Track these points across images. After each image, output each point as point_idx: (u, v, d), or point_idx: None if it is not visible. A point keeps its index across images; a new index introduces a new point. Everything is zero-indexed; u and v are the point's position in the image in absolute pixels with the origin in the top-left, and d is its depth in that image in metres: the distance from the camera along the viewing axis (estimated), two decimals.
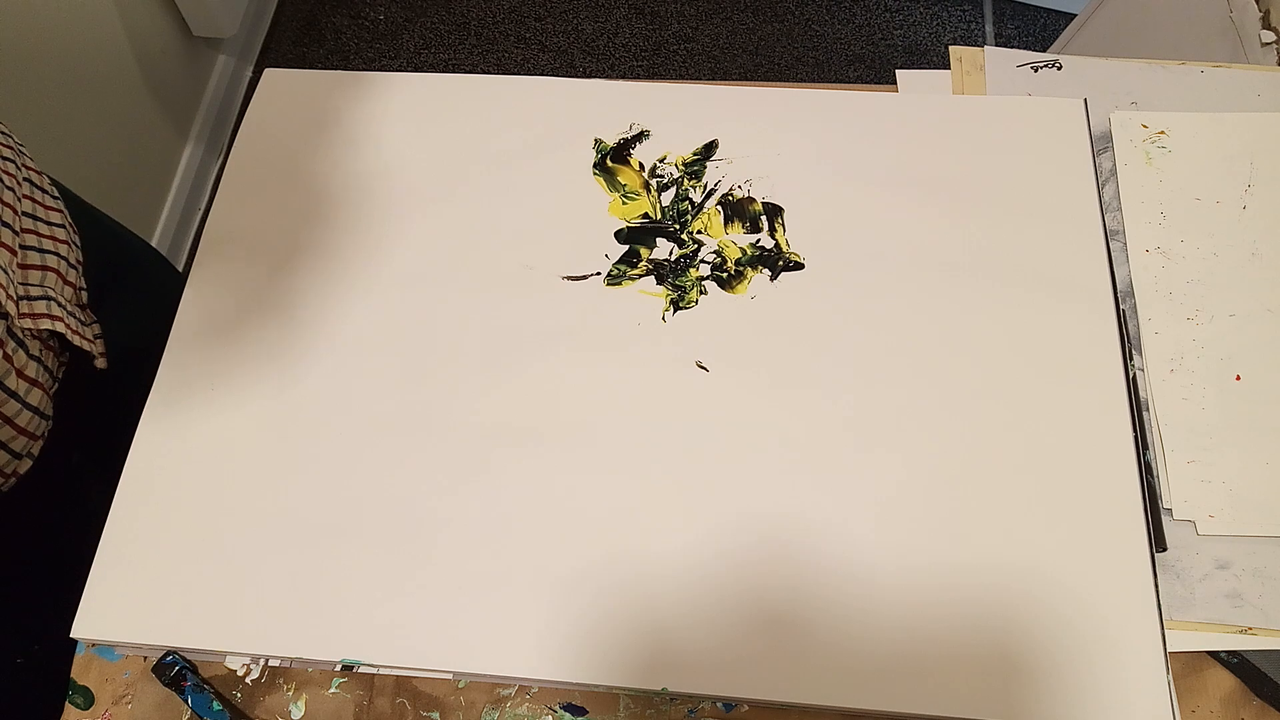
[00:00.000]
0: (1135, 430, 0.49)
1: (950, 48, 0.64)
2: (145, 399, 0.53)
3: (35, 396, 0.49)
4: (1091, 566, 0.46)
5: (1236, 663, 0.46)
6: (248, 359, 0.53)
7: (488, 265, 0.56)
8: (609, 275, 0.55)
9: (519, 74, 0.66)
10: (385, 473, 0.50)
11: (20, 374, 0.48)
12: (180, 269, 1.22)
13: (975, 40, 1.69)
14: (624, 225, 0.57)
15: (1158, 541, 0.47)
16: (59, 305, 0.50)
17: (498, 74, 0.63)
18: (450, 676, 0.46)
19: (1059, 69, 0.63)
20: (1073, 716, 0.43)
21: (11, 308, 0.46)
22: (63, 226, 0.53)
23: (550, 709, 0.46)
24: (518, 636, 0.46)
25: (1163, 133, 0.59)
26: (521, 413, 0.51)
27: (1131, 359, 0.52)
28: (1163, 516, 0.48)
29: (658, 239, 0.57)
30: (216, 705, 0.45)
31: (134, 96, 1.35)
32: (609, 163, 0.59)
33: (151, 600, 0.47)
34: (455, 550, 0.47)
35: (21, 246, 0.49)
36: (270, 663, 0.47)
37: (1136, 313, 0.53)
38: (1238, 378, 0.51)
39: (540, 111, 0.61)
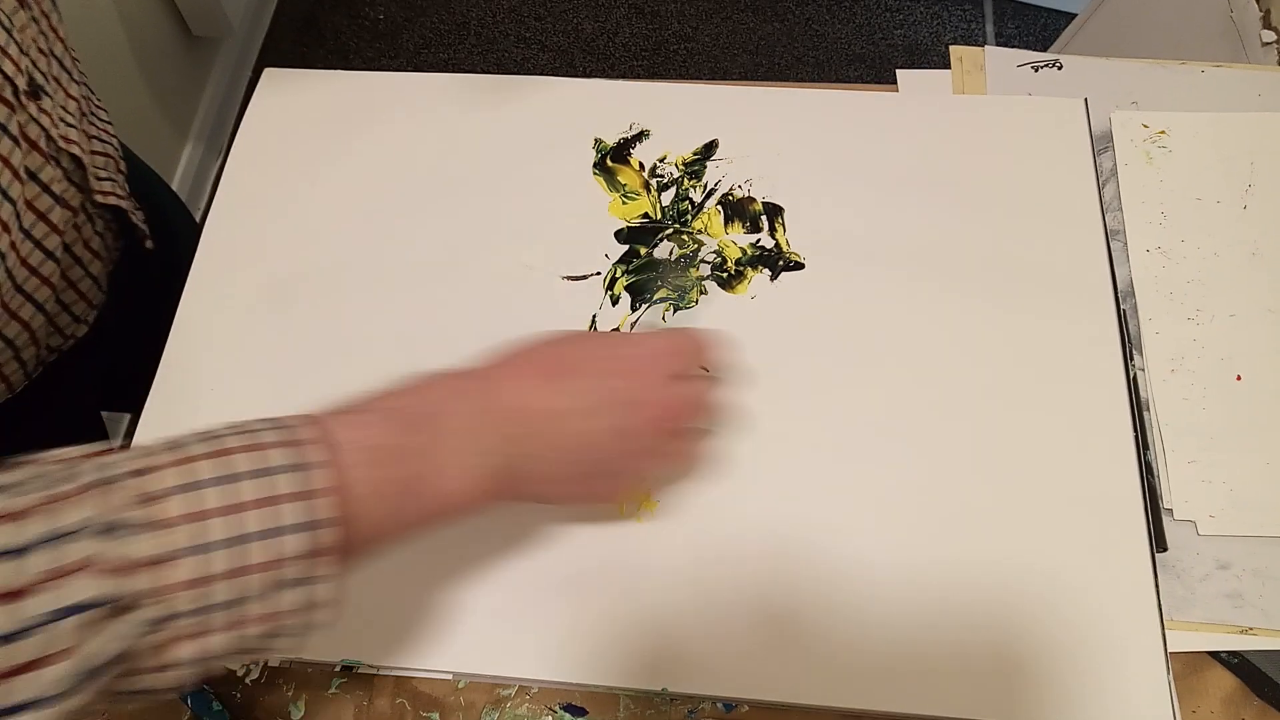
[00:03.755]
0: (1136, 430, 0.49)
1: (950, 47, 0.64)
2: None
3: (96, 268, 0.58)
4: (1092, 566, 0.46)
5: (1237, 663, 0.46)
6: (246, 359, 0.53)
7: (487, 265, 0.56)
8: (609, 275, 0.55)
9: (519, 74, 0.66)
10: None
11: (87, 245, 0.56)
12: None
13: (975, 40, 1.69)
14: (624, 225, 0.57)
15: (1158, 541, 0.47)
16: (119, 186, 0.59)
17: (497, 73, 0.63)
18: (450, 676, 0.46)
19: (1059, 69, 0.63)
20: (1073, 716, 0.43)
21: (93, 183, 0.55)
22: (109, 123, 0.61)
23: (550, 709, 0.46)
24: (518, 637, 0.46)
25: (1163, 132, 0.59)
26: None
27: (1132, 359, 0.52)
28: (1163, 516, 0.48)
29: (658, 239, 0.56)
30: (216, 705, 0.45)
31: (134, 95, 1.35)
32: (609, 162, 0.59)
33: None
34: (455, 550, 0.47)
35: (91, 136, 0.57)
36: (270, 663, 0.47)
37: (1137, 312, 0.53)
38: (1238, 378, 0.51)
39: (540, 111, 0.61)
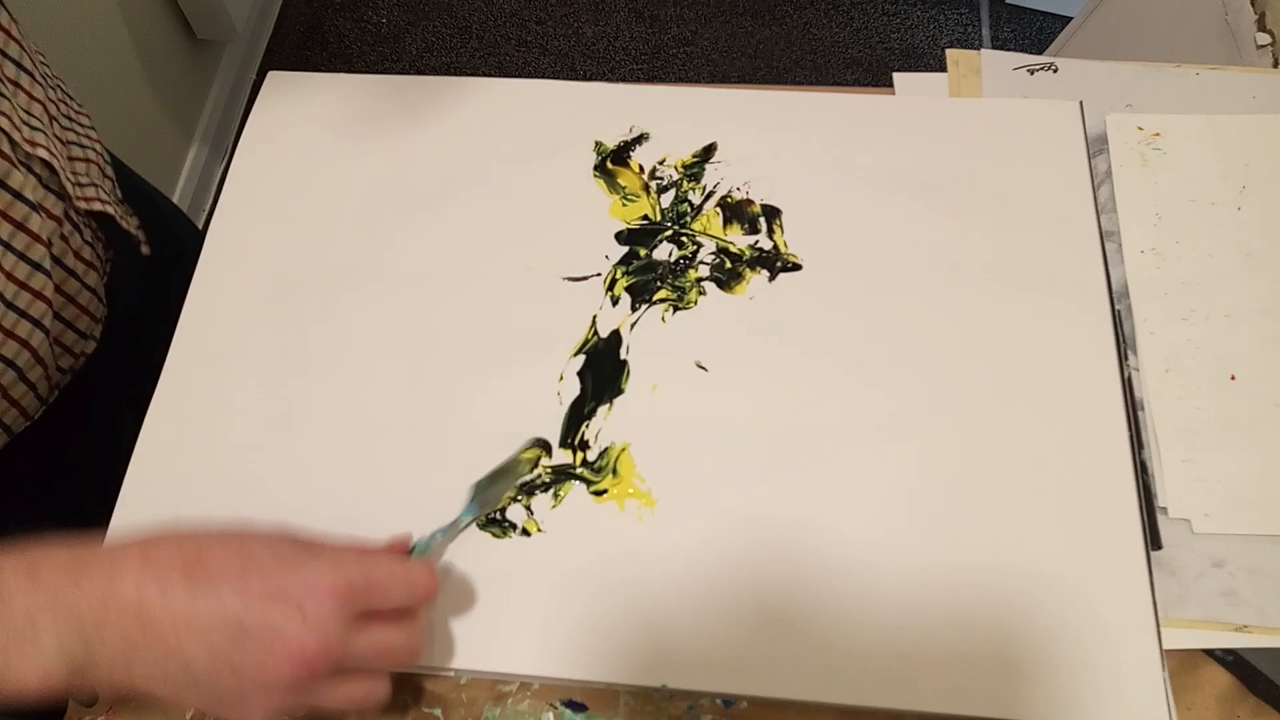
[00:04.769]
0: (1130, 429, 0.50)
1: (947, 51, 0.64)
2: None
3: (91, 278, 0.56)
4: (1087, 565, 0.46)
5: (1232, 660, 0.46)
6: (250, 360, 0.54)
7: (489, 266, 0.56)
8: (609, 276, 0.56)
9: (520, 77, 0.66)
10: (385, 472, 0.50)
11: (78, 255, 0.54)
12: None
13: (971, 43, 1.70)
14: (624, 227, 0.57)
15: (1153, 540, 0.48)
16: (105, 192, 0.57)
17: (499, 77, 0.63)
18: (452, 673, 0.46)
19: (1055, 72, 0.63)
20: (1069, 713, 0.44)
21: (70, 189, 0.52)
22: (92, 128, 0.59)
23: (551, 705, 0.46)
24: (519, 634, 0.46)
25: (1158, 134, 0.59)
26: (522, 413, 0.51)
27: (1127, 359, 0.52)
28: (1158, 515, 0.48)
29: (657, 240, 0.57)
30: None
31: (138, 99, 1.35)
32: (609, 165, 0.60)
33: None
34: (456, 549, 0.48)
35: (67, 141, 0.55)
36: None
37: (1131, 313, 0.54)
38: (1232, 377, 0.52)
39: (541, 114, 0.62)
